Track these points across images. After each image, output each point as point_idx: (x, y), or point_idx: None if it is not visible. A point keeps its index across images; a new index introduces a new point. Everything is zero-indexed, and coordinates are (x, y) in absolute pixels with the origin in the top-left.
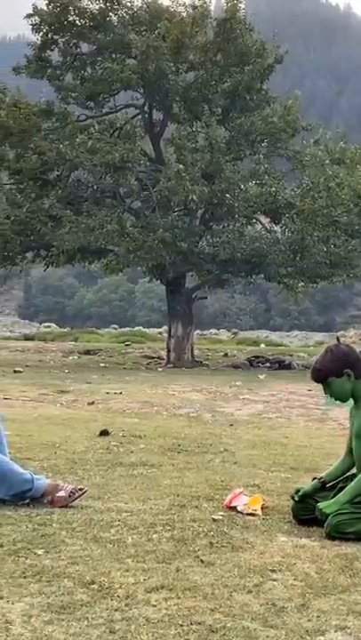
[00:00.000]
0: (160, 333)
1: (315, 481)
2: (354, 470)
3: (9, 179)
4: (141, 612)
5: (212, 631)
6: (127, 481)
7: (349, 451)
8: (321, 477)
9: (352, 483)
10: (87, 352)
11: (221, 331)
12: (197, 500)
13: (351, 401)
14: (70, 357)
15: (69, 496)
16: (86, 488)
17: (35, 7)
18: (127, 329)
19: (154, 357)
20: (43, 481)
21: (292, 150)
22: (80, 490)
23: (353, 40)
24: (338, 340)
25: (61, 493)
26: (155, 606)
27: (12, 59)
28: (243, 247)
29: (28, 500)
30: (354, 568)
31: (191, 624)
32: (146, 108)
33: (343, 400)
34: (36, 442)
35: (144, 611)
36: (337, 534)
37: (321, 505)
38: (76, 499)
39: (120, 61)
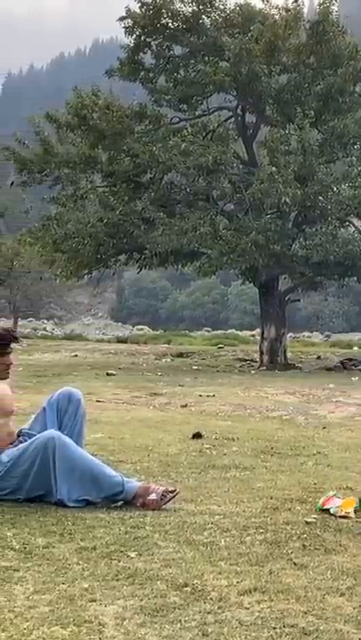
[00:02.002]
0: (253, 336)
1: None
2: None
3: (102, 181)
4: (234, 615)
5: (305, 634)
6: (220, 484)
7: None
8: None
9: None
10: (180, 355)
11: (314, 333)
12: (290, 502)
13: None
14: (163, 360)
15: (161, 499)
16: (178, 490)
17: (128, 10)
18: (220, 331)
19: (247, 360)
20: (134, 484)
21: None
22: (171, 492)
23: None
24: None
25: (153, 496)
26: (247, 609)
27: (105, 61)
28: (336, 250)
29: (120, 503)
30: None
31: (284, 627)
32: (239, 111)
33: None
34: (128, 444)
35: (237, 613)
36: None
37: None
38: (168, 501)
39: (213, 64)
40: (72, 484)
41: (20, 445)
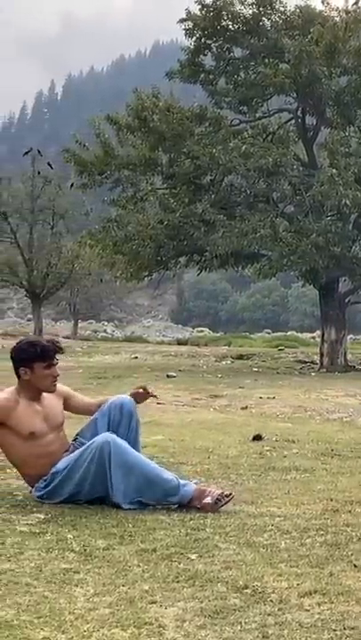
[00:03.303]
0: (313, 338)
1: None
2: None
3: (162, 183)
4: (294, 617)
5: None
6: (280, 485)
7: None
8: None
9: None
10: (240, 357)
11: None
12: (351, 504)
13: None
14: (223, 362)
15: (216, 503)
16: (233, 493)
17: (188, 12)
18: (280, 333)
19: (307, 362)
20: (190, 487)
21: None
22: (227, 496)
23: None
24: None
25: (208, 500)
26: (308, 611)
27: (166, 63)
28: None
29: (176, 505)
30: None
31: (344, 629)
32: (299, 113)
33: None
34: (189, 446)
35: (297, 615)
36: None
37: None
38: (223, 505)
39: (273, 66)
40: (127, 487)
41: (76, 451)
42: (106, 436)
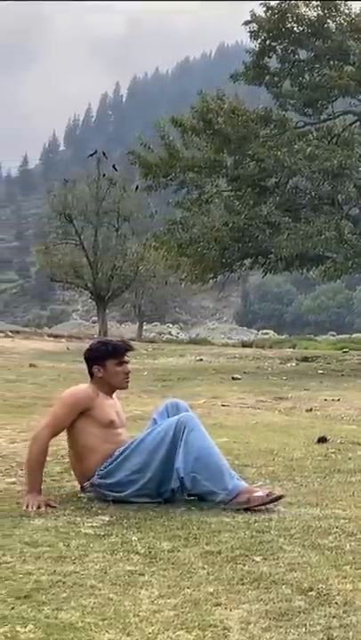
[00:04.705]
0: None
1: None
2: None
3: (227, 185)
4: (359, 619)
5: None
6: (345, 488)
7: None
8: None
9: None
10: (305, 359)
11: None
12: None
13: None
14: (288, 364)
15: (267, 495)
16: (284, 495)
17: (253, 14)
18: (345, 335)
19: None
20: (242, 482)
21: None
22: (278, 497)
23: None
24: None
25: (260, 493)
26: None
27: (230, 65)
28: None
29: (244, 506)
30: None
31: None
32: None
33: None
34: (254, 448)
35: None
36: None
37: None
38: (272, 502)
39: (338, 68)
40: (188, 464)
41: (137, 436)
42: (189, 415)
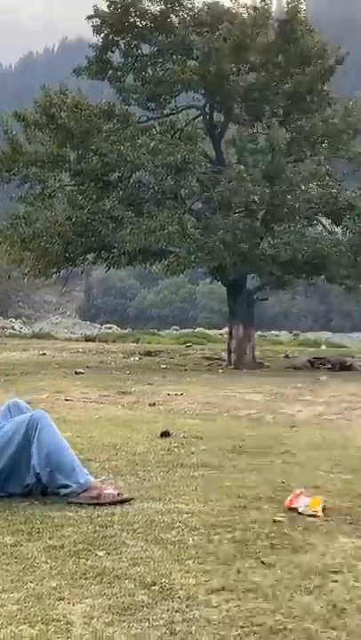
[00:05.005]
0: (221, 335)
1: None
2: None
3: (70, 180)
4: (202, 614)
5: (273, 632)
6: (188, 482)
7: None
8: None
9: None
10: (148, 353)
11: (283, 332)
12: (258, 501)
13: None
14: (131, 358)
15: (118, 495)
16: (133, 498)
17: (96, 9)
18: (188, 330)
19: (215, 359)
20: (91, 478)
21: (353, 152)
22: (127, 500)
23: None
24: None
25: (110, 490)
26: (215, 607)
27: (74, 60)
28: (304, 249)
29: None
30: None
31: (252, 625)
32: (207, 110)
33: None
34: (97, 443)
35: (205, 612)
36: None
37: None
38: (121, 502)
39: (181, 63)
40: (49, 463)
41: None
42: (40, 412)
